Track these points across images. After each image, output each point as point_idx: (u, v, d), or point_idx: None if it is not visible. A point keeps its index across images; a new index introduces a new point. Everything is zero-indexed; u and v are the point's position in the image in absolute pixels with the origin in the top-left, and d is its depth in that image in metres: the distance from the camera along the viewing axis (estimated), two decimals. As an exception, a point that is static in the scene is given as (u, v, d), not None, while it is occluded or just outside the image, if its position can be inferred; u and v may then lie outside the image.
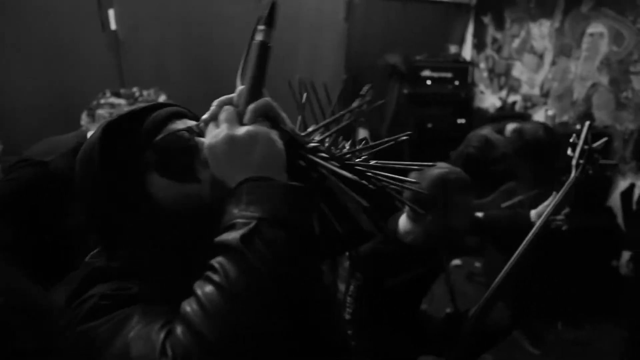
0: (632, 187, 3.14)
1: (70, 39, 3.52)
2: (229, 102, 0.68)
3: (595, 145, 1.69)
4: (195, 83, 3.92)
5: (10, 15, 3.36)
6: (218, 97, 0.72)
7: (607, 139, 1.77)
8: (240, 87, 0.69)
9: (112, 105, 3.28)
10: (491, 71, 4.50)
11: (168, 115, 0.76)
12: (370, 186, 0.70)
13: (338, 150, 0.72)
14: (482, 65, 4.59)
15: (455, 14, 4.67)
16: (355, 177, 0.68)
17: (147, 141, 0.73)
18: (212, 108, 0.69)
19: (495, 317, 1.94)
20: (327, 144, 0.72)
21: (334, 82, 4.37)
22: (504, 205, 2.72)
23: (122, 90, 3.50)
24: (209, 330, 0.54)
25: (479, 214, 2.10)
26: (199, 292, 0.57)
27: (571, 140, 1.69)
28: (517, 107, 4.16)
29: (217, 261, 0.57)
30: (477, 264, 3.78)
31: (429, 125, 4.18)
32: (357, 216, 0.74)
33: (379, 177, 0.72)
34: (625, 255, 2.54)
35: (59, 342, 0.67)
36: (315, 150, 0.68)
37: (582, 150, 1.68)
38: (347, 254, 1.74)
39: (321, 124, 0.72)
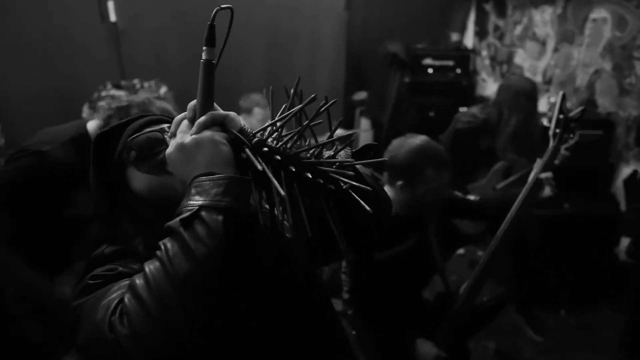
0: (635, 173, 3.13)
1: (70, 31, 3.52)
2: (184, 118, 0.81)
3: (571, 114, 1.71)
4: (195, 73, 3.87)
5: (9, 8, 3.35)
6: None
7: (583, 107, 1.79)
8: (190, 103, 0.80)
9: (113, 97, 3.27)
10: (493, 59, 4.47)
11: (146, 122, 0.91)
12: (316, 179, 0.74)
13: (293, 147, 0.77)
14: (484, 52, 4.56)
15: (457, 2, 4.63)
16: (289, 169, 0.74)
17: (126, 147, 0.88)
18: (172, 125, 0.82)
19: (488, 294, 1.96)
20: (283, 142, 0.76)
21: (335, 71, 4.36)
22: (499, 186, 2.74)
23: (122, 82, 3.49)
24: (149, 297, 0.65)
25: (473, 197, 2.12)
26: (146, 267, 0.68)
27: (547, 111, 1.75)
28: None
29: (162, 242, 0.69)
30: (480, 253, 3.78)
31: (431, 114, 4.17)
32: (335, 230, 0.76)
33: (327, 171, 0.75)
34: (624, 241, 2.54)
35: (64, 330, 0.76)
36: (258, 146, 0.75)
37: (558, 120, 1.72)
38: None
39: (270, 122, 0.79)
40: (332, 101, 0.79)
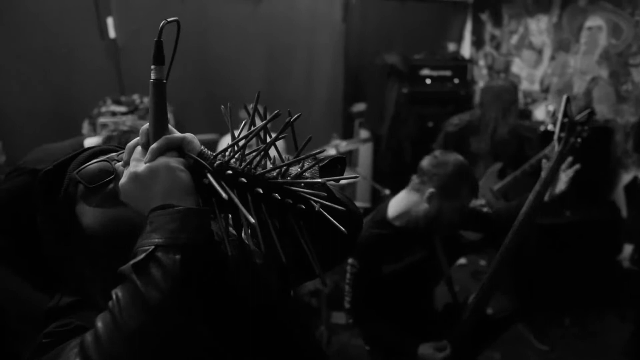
0: (635, 180, 3.13)
1: (70, 47, 3.54)
2: (137, 144, 0.73)
3: (577, 117, 1.67)
4: (193, 88, 3.94)
5: (10, 25, 3.38)
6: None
7: (590, 110, 1.76)
8: (143, 128, 0.73)
9: (113, 113, 3.30)
10: (490, 68, 4.49)
11: (93, 153, 0.83)
12: (285, 199, 0.70)
13: (258, 167, 0.71)
14: (481, 62, 4.59)
15: (453, 12, 4.67)
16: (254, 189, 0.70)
17: (72, 176, 0.79)
18: (125, 153, 0.74)
19: (497, 309, 1.95)
20: (247, 162, 0.72)
21: (333, 83, 4.38)
22: (495, 187, 2.75)
23: (122, 98, 3.52)
24: (98, 356, 0.58)
25: (486, 209, 2.11)
26: (97, 322, 0.61)
27: (551, 114, 1.71)
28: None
29: (114, 290, 0.62)
30: (482, 262, 3.77)
31: (430, 124, 4.18)
32: (308, 252, 0.72)
33: (296, 191, 0.71)
34: (628, 248, 2.53)
35: None
36: (221, 170, 0.70)
37: (563, 124, 1.67)
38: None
39: (232, 142, 0.73)
40: (295, 115, 0.73)
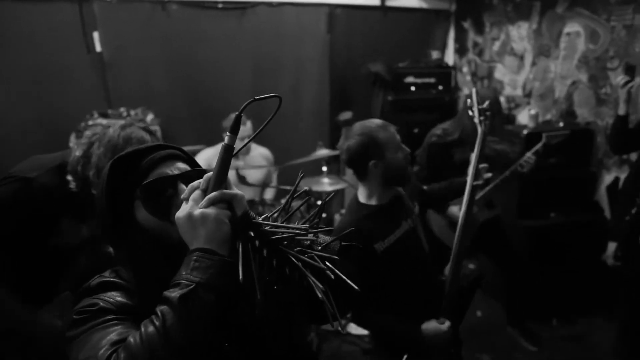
0: (617, 180, 3.20)
1: (57, 62, 3.55)
2: (197, 187, 0.87)
3: (483, 105, 2.10)
4: (180, 100, 3.95)
5: (-4, 41, 3.37)
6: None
7: (490, 100, 2.21)
8: (206, 175, 0.87)
9: (98, 126, 3.30)
10: (474, 74, 4.57)
11: (162, 158, 0.97)
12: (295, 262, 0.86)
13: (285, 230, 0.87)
14: (465, 69, 4.67)
15: (436, 21, 4.75)
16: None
17: (140, 178, 0.94)
18: (186, 191, 0.88)
19: (466, 275, 2.03)
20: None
21: (319, 93, 4.42)
22: (478, 196, 2.77)
23: (109, 111, 3.52)
24: (143, 355, 0.74)
25: (425, 187, 2.53)
26: (142, 329, 0.77)
27: (468, 105, 2.13)
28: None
29: (160, 309, 0.78)
30: (471, 266, 3.81)
31: (415, 131, 4.23)
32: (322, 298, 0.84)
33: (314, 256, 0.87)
34: (611, 246, 2.58)
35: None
36: (259, 229, 0.85)
37: (478, 110, 2.09)
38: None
39: (278, 209, 0.91)
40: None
